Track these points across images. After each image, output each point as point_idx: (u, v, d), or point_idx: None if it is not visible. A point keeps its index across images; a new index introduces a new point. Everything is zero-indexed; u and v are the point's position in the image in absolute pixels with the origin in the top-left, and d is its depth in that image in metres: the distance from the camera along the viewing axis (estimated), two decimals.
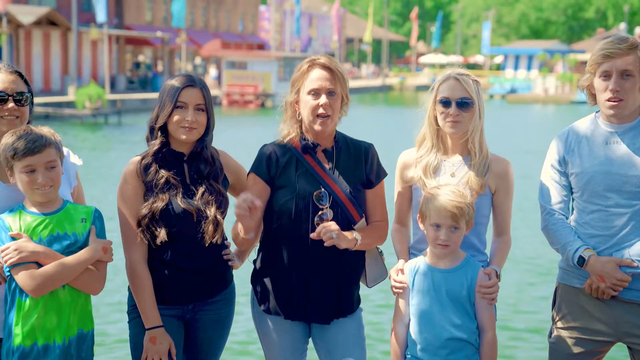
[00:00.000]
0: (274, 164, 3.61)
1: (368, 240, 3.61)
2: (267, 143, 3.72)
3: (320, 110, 3.53)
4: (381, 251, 3.84)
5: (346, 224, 3.56)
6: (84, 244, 3.39)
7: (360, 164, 3.66)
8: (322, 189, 3.55)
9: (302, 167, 3.60)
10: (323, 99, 3.53)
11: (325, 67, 3.56)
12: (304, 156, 3.60)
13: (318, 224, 3.49)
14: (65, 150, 3.52)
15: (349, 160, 3.65)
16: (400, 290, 3.64)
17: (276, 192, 3.60)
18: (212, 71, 47.94)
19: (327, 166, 3.62)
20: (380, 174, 3.72)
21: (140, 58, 53.69)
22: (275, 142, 3.69)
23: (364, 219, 3.63)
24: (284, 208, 3.56)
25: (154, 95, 39.82)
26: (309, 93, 3.56)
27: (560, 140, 3.75)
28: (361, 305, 3.80)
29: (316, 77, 3.55)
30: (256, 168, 3.63)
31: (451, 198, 3.48)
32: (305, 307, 3.60)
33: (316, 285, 3.57)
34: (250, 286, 3.78)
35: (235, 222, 3.51)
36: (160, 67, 53.55)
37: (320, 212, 3.52)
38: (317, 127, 3.56)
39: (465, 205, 3.49)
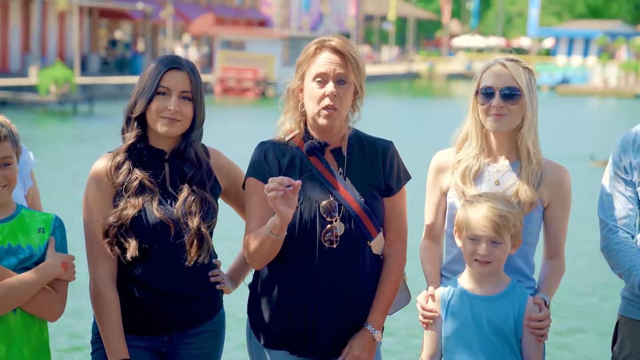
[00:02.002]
0: (275, 166, 3.59)
1: (386, 307, 3.65)
2: (264, 140, 3.71)
3: (326, 101, 3.52)
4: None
5: (360, 241, 3.57)
6: (41, 259, 3.37)
7: (377, 166, 3.66)
8: (332, 199, 3.54)
9: (307, 172, 3.59)
10: (330, 87, 3.52)
11: (336, 51, 3.56)
12: (309, 158, 3.59)
13: (327, 240, 3.50)
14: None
15: (364, 163, 3.65)
16: (431, 321, 3.62)
17: None
18: (179, 49, 47.79)
19: (338, 170, 3.61)
20: (402, 177, 3.70)
21: (117, 34, 53.98)
22: (274, 140, 3.68)
23: (381, 234, 3.63)
24: None
25: (133, 79, 39.98)
26: (314, 79, 3.55)
27: (626, 142, 3.74)
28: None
29: (324, 61, 3.55)
30: (255, 171, 3.61)
31: (493, 205, 3.48)
32: (314, 339, 3.58)
33: (326, 312, 3.56)
34: (244, 314, 3.74)
35: (246, 234, 3.50)
36: (140, 46, 53.83)
37: (329, 226, 3.52)
38: (321, 120, 3.55)
39: (510, 214, 3.48)
